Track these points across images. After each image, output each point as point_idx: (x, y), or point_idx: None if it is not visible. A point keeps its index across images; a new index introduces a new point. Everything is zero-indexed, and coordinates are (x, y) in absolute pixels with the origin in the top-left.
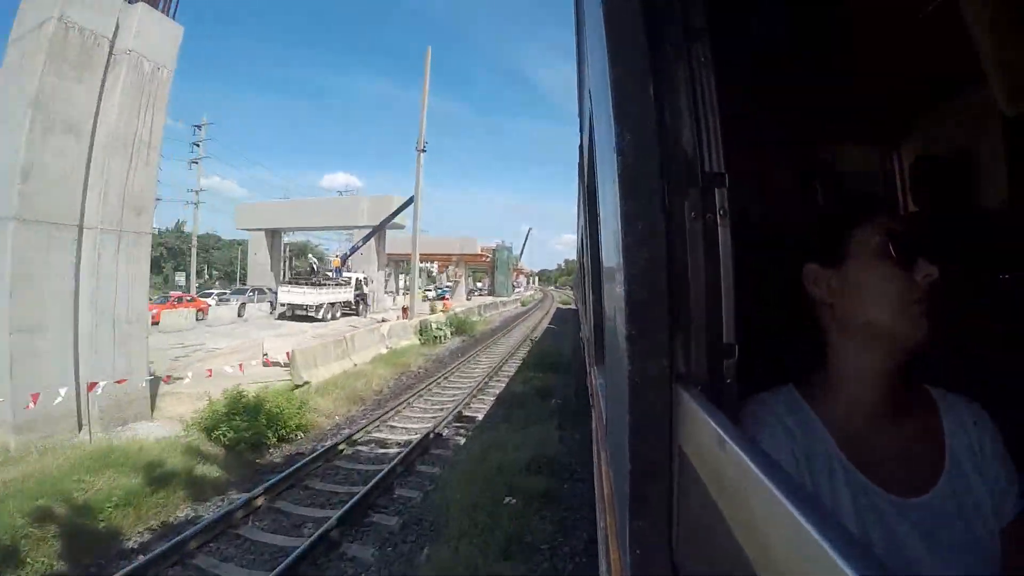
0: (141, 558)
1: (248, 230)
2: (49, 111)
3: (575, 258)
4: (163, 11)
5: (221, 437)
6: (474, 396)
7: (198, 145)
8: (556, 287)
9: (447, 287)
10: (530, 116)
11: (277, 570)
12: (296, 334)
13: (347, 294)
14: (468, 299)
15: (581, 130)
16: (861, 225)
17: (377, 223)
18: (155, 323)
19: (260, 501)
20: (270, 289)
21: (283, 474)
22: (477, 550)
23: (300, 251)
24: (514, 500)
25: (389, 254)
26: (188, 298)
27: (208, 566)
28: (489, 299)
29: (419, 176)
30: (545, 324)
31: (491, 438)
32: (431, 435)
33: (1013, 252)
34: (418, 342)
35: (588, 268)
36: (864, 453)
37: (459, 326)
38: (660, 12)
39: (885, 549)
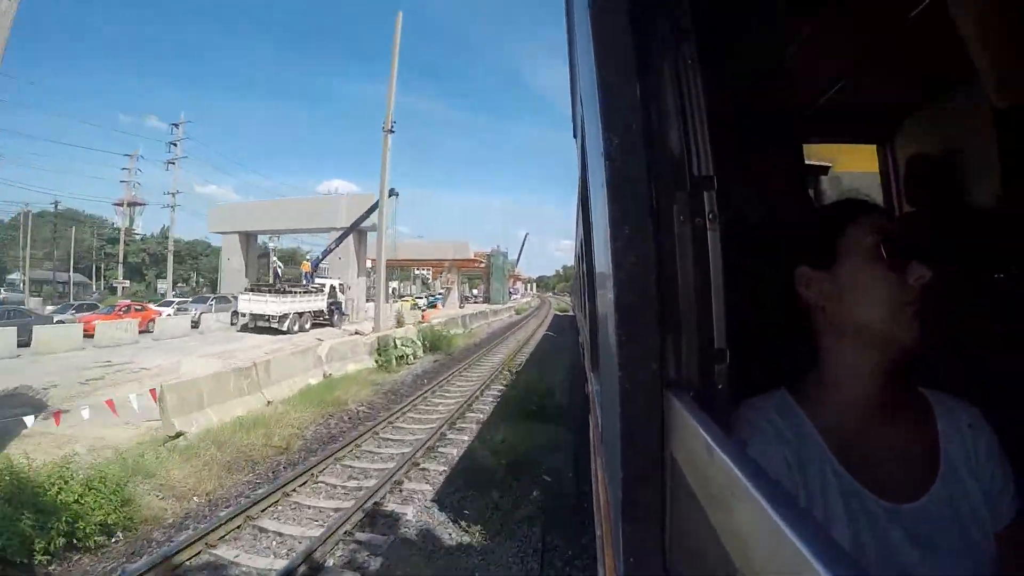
0: None
1: (221, 233)
2: None
3: (573, 264)
4: None
5: None
6: (416, 465)
7: (175, 144)
8: (554, 293)
9: (439, 294)
10: (530, 120)
11: None
12: (247, 350)
13: (319, 302)
14: (461, 306)
15: (575, 135)
16: (852, 227)
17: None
18: (88, 335)
19: None
20: (236, 297)
21: None
22: None
23: (290, 258)
24: None
25: (374, 259)
26: (138, 307)
27: None
28: (484, 307)
29: (386, 160)
30: (541, 334)
31: None
32: (315, 557)
33: (1008, 252)
34: (373, 364)
35: (583, 274)
36: (858, 457)
37: (434, 342)
38: (646, 13)
39: (877, 555)
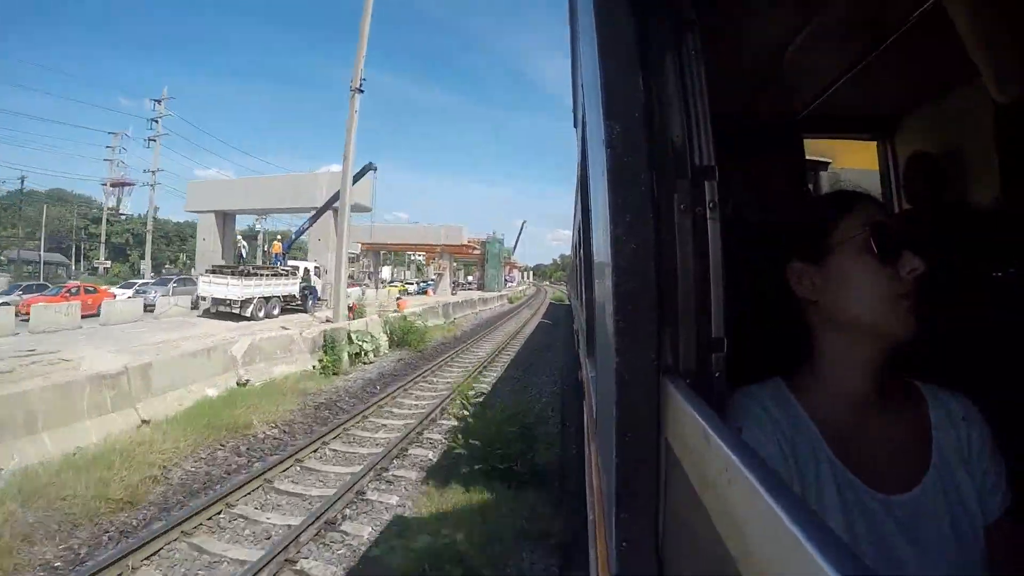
0: None
1: (196, 212)
2: None
3: (570, 253)
4: None
5: None
6: (290, 565)
7: (156, 121)
8: (551, 282)
9: (431, 280)
10: (530, 109)
11: None
12: (195, 339)
13: (290, 287)
14: (453, 293)
15: (575, 125)
16: (843, 220)
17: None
18: (22, 316)
19: None
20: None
21: None
22: None
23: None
24: None
25: (368, 244)
26: (89, 288)
27: None
28: (476, 294)
29: (352, 123)
30: (531, 328)
31: None
32: None
33: (1007, 249)
34: (316, 365)
35: (581, 262)
36: (851, 448)
37: (403, 335)
38: (650, 2)
39: (870, 545)
